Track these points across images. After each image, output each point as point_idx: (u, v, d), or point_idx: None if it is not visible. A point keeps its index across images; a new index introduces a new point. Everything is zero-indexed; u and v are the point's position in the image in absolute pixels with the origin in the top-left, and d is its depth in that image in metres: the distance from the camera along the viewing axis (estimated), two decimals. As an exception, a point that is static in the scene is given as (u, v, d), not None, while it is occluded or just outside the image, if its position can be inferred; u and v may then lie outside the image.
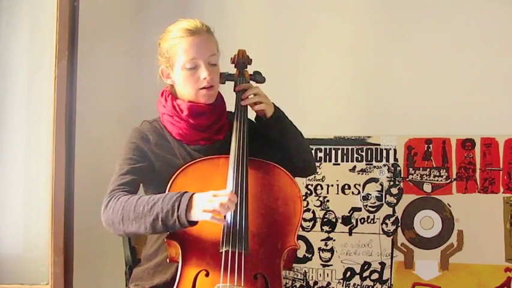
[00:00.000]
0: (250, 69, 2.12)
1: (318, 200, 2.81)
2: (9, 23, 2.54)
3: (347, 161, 2.81)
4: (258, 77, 2.11)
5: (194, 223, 1.75)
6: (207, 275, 1.76)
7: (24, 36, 2.56)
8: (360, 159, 2.80)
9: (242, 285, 1.73)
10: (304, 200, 2.80)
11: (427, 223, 2.75)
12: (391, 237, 2.76)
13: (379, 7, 2.82)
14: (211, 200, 1.71)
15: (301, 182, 2.79)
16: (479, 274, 2.69)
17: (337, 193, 2.80)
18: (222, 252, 1.76)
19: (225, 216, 1.77)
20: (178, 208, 1.72)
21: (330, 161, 2.81)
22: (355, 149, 2.80)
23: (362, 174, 2.79)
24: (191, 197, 1.74)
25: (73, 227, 2.46)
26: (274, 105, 2.03)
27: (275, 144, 2.05)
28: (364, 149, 2.80)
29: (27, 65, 2.56)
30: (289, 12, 2.86)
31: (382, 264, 2.76)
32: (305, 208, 2.81)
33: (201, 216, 1.71)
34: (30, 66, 2.56)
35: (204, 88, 1.94)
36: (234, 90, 2.06)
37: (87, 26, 2.63)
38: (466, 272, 2.70)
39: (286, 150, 2.04)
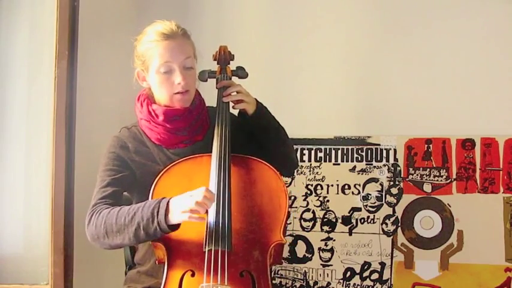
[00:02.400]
0: (232, 65, 2.11)
1: (318, 200, 2.81)
2: (9, 23, 2.54)
3: (347, 161, 2.81)
4: (241, 73, 2.10)
5: (175, 228, 1.76)
6: (192, 275, 1.76)
7: (24, 36, 2.55)
8: (360, 159, 2.80)
9: (226, 283, 1.72)
10: (304, 200, 2.81)
11: (427, 223, 2.75)
12: (391, 237, 2.76)
13: (379, 7, 2.83)
14: (187, 200, 1.72)
15: (301, 182, 2.80)
16: (479, 274, 2.69)
17: (337, 193, 2.80)
18: (205, 251, 1.76)
19: (207, 212, 1.76)
20: (157, 214, 1.73)
21: (330, 161, 2.82)
22: (355, 149, 2.80)
23: (362, 174, 2.79)
24: (169, 201, 1.75)
25: (73, 227, 2.46)
26: (257, 102, 2.03)
27: (258, 140, 2.04)
28: (364, 149, 2.80)
29: (27, 65, 2.56)
30: (288, 13, 2.86)
31: (382, 264, 2.76)
32: (305, 208, 2.81)
33: (179, 217, 1.72)
34: (30, 66, 2.56)
35: (178, 93, 1.93)
36: (217, 87, 2.06)
37: (87, 26, 2.62)
38: (466, 272, 2.70)
39: (268, 147, 2.03)
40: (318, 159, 2.82)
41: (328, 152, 2.82)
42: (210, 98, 2.08)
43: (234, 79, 2.08)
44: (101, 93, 2.78)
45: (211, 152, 1.91)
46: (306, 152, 2.82)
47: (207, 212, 1.76)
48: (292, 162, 2.14)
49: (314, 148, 2.81)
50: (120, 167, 1.94)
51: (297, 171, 2.82)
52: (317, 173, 2.81)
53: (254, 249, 1.81)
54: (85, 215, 2.51)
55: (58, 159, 2.39)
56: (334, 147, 2.82)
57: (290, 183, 2.81)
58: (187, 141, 1.98)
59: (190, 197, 1.72)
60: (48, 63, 2.45)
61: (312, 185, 2.80)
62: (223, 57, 2.10)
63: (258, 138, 2.04)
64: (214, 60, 2.11)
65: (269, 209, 1.86)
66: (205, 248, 1.76)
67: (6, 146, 2.52)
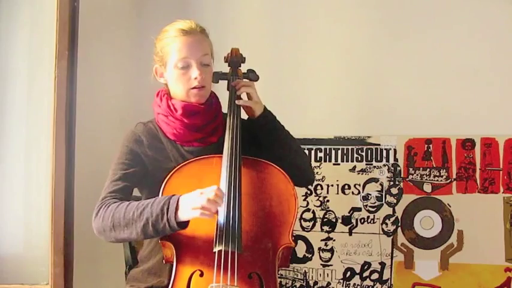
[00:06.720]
0: (243, 68, 2.12)
1: (318, 200, 2.81)
2: (9, 23, 2.54)
3: (347, 161, 2.81)
4: (252, 75, 2.10)
5: (184, 226, 1.76)
6: (201, 275, 1.77)
7: (24, 36, 2.56)
8: (360, 159, 2.80)
9: (235, 284, 1.73)
10: (304, 200, 2.80)
11: (427, 223, 2.75)
12: (391, 237, 2.76)
13: (379, 6, 2.82)
14: (198, 197, 1.72)
15: (301, 182, 2.78)
16: (479, 274, 2.69)
17: (337, 193, 2.80)
18: (215, 251, 1.76)
19: (217, 212, 1.76)
20: (167, 211, 1.74)
21: (330, 161, 2.81)
22: (355, 149, 2.80)
23: (362, 174, 2.79)
24: (179, 198, 1.75)
25: (73, 227, 2.47)
26: (265, 108, 2.02)
27: (267, 148, 2.03)
28: (364, 149, 2.80)
29: (27, 65, 2.56)
30: (288, 13, 2.86)
31: (382, 264, 2.76)
32: (305, 208, 2.81)
33: (190, 214, 1.72)
34: (30, 66, 2.56)
35: (195, 88, 1.95)
36: (228, 89, 2.06)
37: (87, 26, 2.63)
38: (466, 272, 2.70)
39: (278, 156, 2.01)
40: (318, 159, 2.82)
41: (328, 152, 2.82)
42: (220, 101, 2.09)
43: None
44: (101, 93, 2.78)
45: (222, 152, 1.91)
46: (306, 152, 2.82)
47: (217, 212, 1.76)
48: (303, 174, 2.09)
49: (314, 148, 2.81)
50: (132, 161, 1.95)
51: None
52: (317, 173, 2.80)
53: (263, 251, 1.82)
54: (85, 215, 2.52)
55: (58, 159, 2.40)
56: (334, 147, 2.82)
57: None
58: (201, 141, 1.98)
59: (201, 195, 1.72)
60: (48, 63, 2.45)
61: (312, 185, 2.80)
62: (235, 59, 2.11)
63: (266, 146, 2.03)
64: (226, 62, 2.11)
65: (278, 212, 1.87)
66: (215, 248, 1.76)
67: (6, 146, 2.52)
